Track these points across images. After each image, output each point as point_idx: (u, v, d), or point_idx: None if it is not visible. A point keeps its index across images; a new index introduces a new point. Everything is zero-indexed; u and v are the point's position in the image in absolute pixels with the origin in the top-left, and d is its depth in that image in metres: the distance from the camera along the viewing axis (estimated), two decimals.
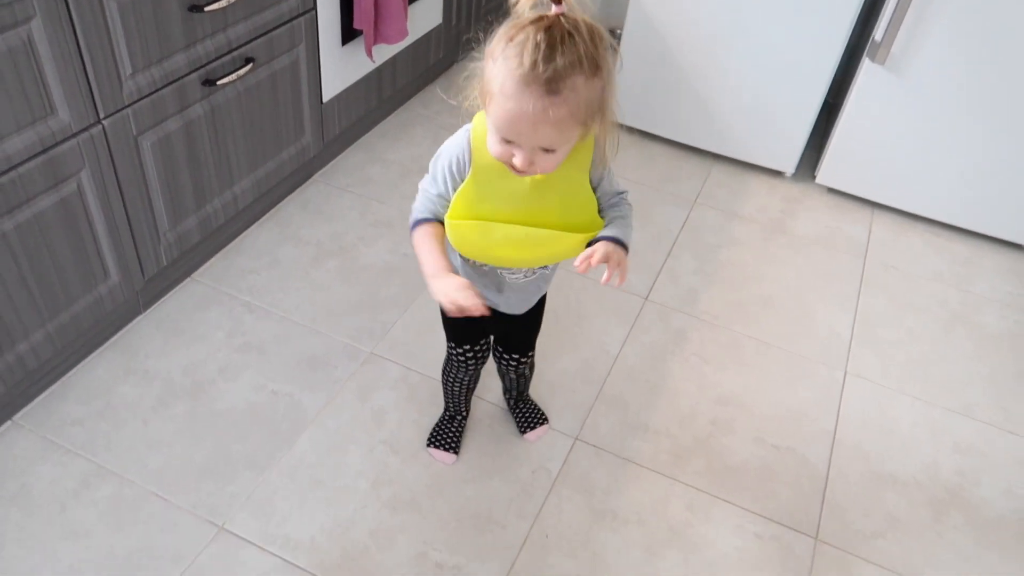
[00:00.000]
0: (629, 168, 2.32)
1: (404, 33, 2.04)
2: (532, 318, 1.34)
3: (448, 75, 2.64)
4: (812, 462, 1.58)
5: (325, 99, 1.97)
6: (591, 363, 1.72)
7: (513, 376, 1.50)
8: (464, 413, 1.56)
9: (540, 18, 0.90)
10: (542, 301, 1.33)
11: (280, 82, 1.78)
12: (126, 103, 1.41)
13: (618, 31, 2.88)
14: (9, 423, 1.47)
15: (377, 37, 1.99)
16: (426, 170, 1.15)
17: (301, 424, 1.54)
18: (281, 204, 2.04)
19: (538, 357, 1.68)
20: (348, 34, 1.96)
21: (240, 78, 1.64)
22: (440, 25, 2.39)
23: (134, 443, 1.47)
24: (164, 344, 1.65)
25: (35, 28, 1.20)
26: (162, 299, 1.75)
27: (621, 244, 1.07)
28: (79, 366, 1.59)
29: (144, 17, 1.37)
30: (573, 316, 1.83)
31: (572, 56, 0.89)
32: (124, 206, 1.49)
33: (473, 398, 1.61)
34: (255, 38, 1.65)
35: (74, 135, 1.33)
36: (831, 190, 2.33)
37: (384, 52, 2.14)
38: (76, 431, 1.47)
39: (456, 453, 1.52)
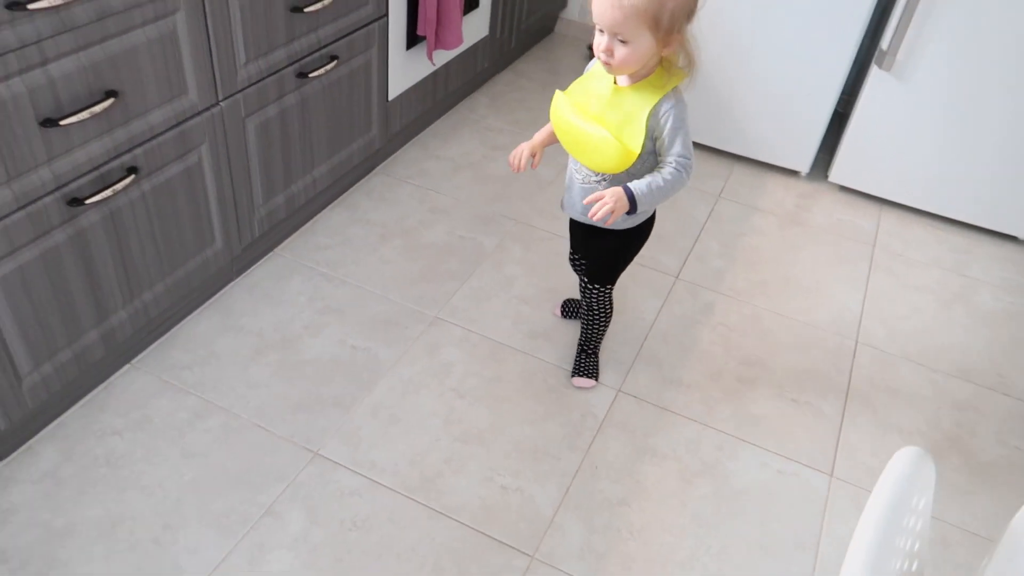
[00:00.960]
0: None
1: (460, 40, 2.28)
2: (596, 247, 1.62)
3: (492, 84, 2.89)
4: (827, 413, 1.79)
5: (390, 97, 2.21)
6: (630, 327, 1.94)
7: (583, 300, 1.74)
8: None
9: None
10: (605, 241, 1.59)
11: (356, 79, 2.02)
12: (239, 88, 1.65)
13: None
14: (128, 366, 1.70)
15: (437, 43, 2.24)
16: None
17: (378, 373, 1.75)
18: (350, 191, 2.27)
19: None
20: (412, 39, 2.21)
21: (326, 73, 1.88)
22: (487, 36, 2.64)
23: (236, 384, 1.68)
24: (255, 305, 1.87)
25: (179, 20, 1.44)
26: (251, 268, 1.97)
27: (629, 195, 1.35)
28: (183, 322, 1.81)
29: (257, 14, 1.62)
30: (616, 291, 2.05)
31: None
32: (231, 179, 1.72)
33: (532, 357, 1.83)
34: (339, 38, 1.89)
35: (199, 113, 1.57)
36: (843, 188, 2.55)
37: (441, 57, 2.39)
38: (186, 374, 1.69)
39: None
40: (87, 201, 1.36)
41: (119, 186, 1.41)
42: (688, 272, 2.14)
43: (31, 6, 1.15)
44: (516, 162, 1.55)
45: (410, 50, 2.23)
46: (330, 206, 2.21)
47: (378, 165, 2.39)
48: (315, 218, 2.16)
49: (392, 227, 2.16)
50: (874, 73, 2.30)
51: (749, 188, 2.51)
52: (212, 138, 1.62)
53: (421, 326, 1.88)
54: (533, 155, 1.55)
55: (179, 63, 1.47)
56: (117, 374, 1.67)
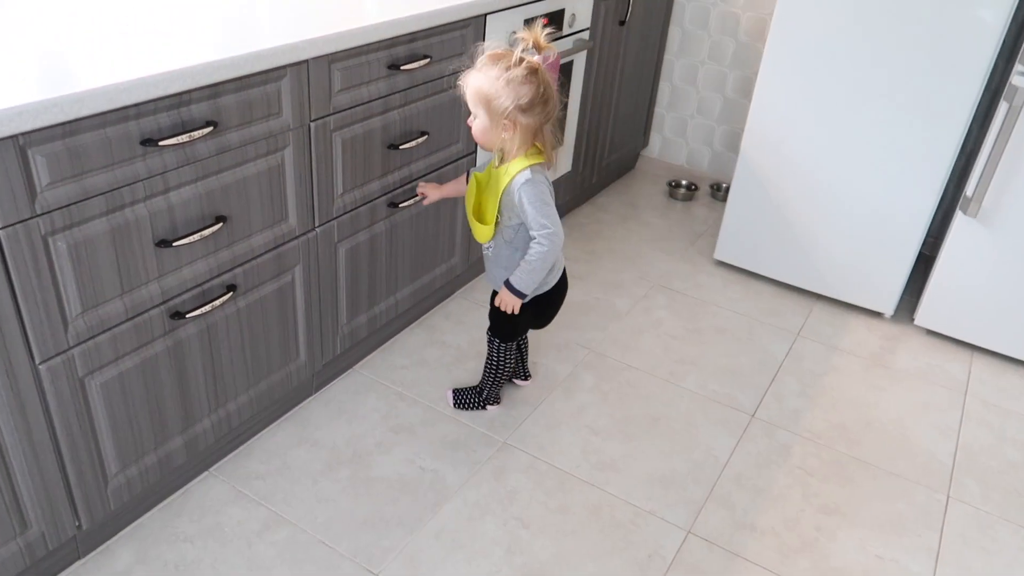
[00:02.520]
0: (735, 302, 2.54)
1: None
2: (493, 307, 1.82)
3: (572, 215, 2.99)
4: (915, 573, 1.67)
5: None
6: (701, 465, 1.89)
7: (487, 344, 1.96)
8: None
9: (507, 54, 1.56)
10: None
11: (443, 209, 2.14)
12: (334, 215, 1.77)
13: (724, 184, 3.20)
14: (206, 473, 1.76)
15: None
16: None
17: (444, 495, 1.75)
18: (429, 313, 2.35)
19: (657, 452, 1.87)
20: None
21: (415, 203, 2.00)
22: (569, 172, 2.77)
23: (306, 497, 1.71)
24: (330, 420, 1.93)
25: (287, 155, 1.59)
26: (330, 383, 2.05)
27: (511, 288, 1.67)
28: (261, 433, 1.88)
29: (357, 151, 1.76)
30: (683, 422, 2.02)
31: (497, 67, 1.52)
32: (319, 299, 1.82)
33: (599, 490, 1.80)
34: (430, 171, 2.03)
35: (296, 237, 1.69)
36: (930, 331, 2.48)
37: None
38: (259, 484, 1.74)
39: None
40: (188, 315, 1.47)
41: (218, 302, 1.52)
42: (765, 411, 2.09)
43: (162, 143, 1.30)
44: (420, 192, 1.94)
45: None
46: (410, 327, 2.29)
47: (458, 289, 2.48)
48: (394, 338, 2.24)
49: (466, 350, 2.22)
50: (960, 218, 2.27)
51: (830, 327, 2.47)
52: (306, 260, 1.73)
53: (489, 450, 1.88)
54: (425, 195, 1.94)
55: (283, 192, 1.61)
56: (195, 480, 1.73)
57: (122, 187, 1.29)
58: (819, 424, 2.06)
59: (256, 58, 1.40)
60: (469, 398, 2.00)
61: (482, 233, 1.71)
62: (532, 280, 1.66)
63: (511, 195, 1.61)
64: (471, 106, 1.59)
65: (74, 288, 1.28)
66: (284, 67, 1.49)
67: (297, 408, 1.96)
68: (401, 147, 1.86)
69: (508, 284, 1.69)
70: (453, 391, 2.01)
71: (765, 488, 1.84)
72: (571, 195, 2.87)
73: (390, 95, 1.79)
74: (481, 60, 1.56)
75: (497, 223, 1.68)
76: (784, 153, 2.46)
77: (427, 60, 1.83)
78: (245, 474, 1.76)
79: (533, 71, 1.54)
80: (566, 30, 2.40)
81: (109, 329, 1.36)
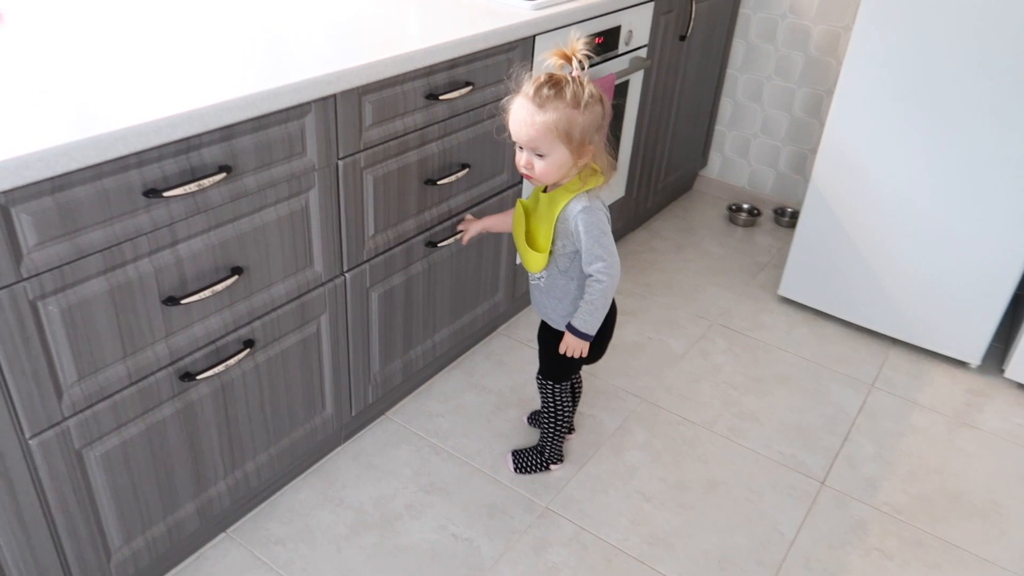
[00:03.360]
0: (802, 346, 2.33)
1: None
2: (547, 341, 1.68)
3: (624, 243, 2.80)
4: None
5: (519, 260, 2.16)
6: (765, 544, 1.69)
7: (538, 390, 1.79)
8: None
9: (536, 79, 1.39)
10: (553, 340, 1.64)
11: (486, 244, 1.98)
12: (365, 259, 1.62)
13: (789, 209, 2.97)
14: (223, 535, 1.62)
15: None
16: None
17: (478, 570, 1.59)
18: (468, 353, 2.19)
19: (715, 525, 1.68)
20: None
21: (456, 240, 1.84)
22: (623, 197, 2.58)
23: (327, 568, 1.57)
24: (358, 476, 1.78)
25: (311, 196, 1.44)
26: (359, 433, 1.90)
27: (575, 331, 1.54)
28: (284, 489, 1.74)
29: (390, 188, 1.60)
30: (744, 489, 1.82)
31: (564, 95, 1.35)
32: (348, 347, 1.67)
33: (651, 569, 1.62)
34: (471, 206, 1.86)
35: (322, 284, 1.54)
36: (1022, 385, 2.23)
37: None
38: (278, 550, 1.60)
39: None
40: (199, 377, 1.33)
41: (233, 361, 1.38)
42: (836, 478, 1.88)
43: (168, 193, 1.16)
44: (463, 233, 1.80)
45: None
46: (447, 368, 2.13)
47: (500, 325, 2.31)
48: (430, 380, 2.08)
49: (508, 396, 2.05)
50: None
51: (908, 377, 2.24)
52: (333, 308, 1.59)
53: (529, 517, 1.72)
54: (466, 231, 1.79)
55: (307, 237, 1.46)
56: (210, 544, 1.60)
57: (123, 242, 1.15)
58: (898, 496, 1.84)
59: (274, 96, 1.25)
60: (531, 460, 1.82)
61: (535, 262, 1.54)
62: (596, 319, 1.53)
63: (567, 222, 1.47)
64: (544, 145, 1.40)
65: (68, 354, 1.15)
66: (308, 103, 1.34)
67: (324, 460, 1.82)
68: (439, 182, 1.70)
69: (572, 328, 1.55)
70: (513, 455, 1.84)
71: (838, 574, 1.64)
72: (624, 219, 2.68)
73: (427, 127, 1.63)
74: (539, 93, 1.37)
75: (551, 251, 1.52)
76: (862, 179, 2.23)
77: (469, 88, 1.67)
78: (264, 538, 1.62)
79: (592, 86, 1.40)
80: (622, 48, 2.21)
81: (110, 396, 1.23)
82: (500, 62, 1.76)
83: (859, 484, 1.86)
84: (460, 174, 1.75)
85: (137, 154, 1.12)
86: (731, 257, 2.77)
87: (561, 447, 1.82)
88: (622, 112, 2.35)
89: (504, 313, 2.29)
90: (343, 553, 1.60)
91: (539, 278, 1.59)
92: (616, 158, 1.51)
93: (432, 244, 1.76)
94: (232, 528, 1.64)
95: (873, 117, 2.16)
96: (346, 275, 1.59)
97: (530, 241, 1.56)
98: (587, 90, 1.37)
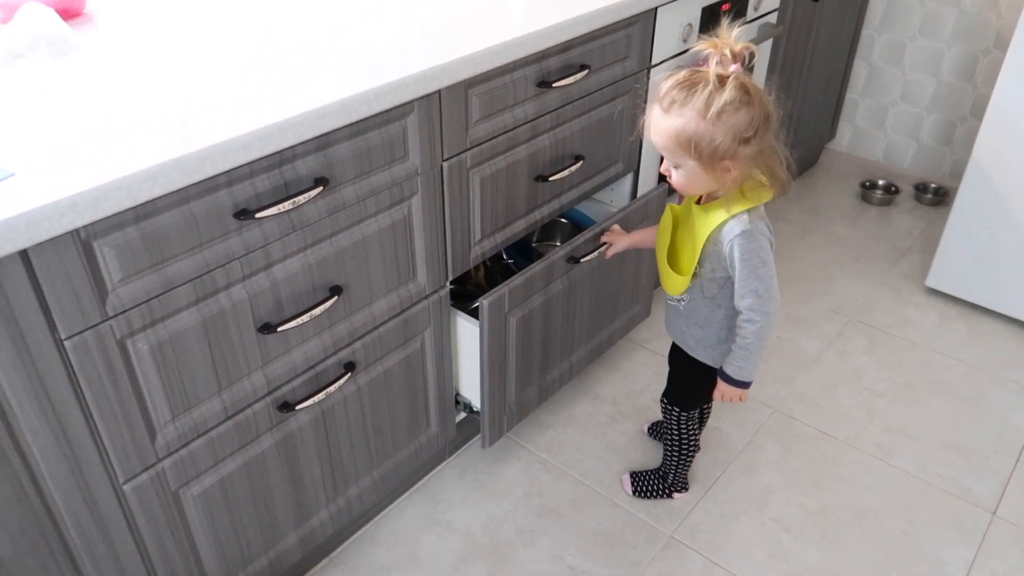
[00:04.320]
0: (957, 346, 2.05)
1: None
2: (679, 365, 1.49)
3: None
4: None
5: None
6: None
7: (662, 413, 1.61)
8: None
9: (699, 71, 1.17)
10: (688, 367, 1.44)
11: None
12: (471, 265, 1.48)
13: (933, 185, 2.65)
14: (326, 560, 1.54)
15: None
16: None
17: None
18: None
19: (865, 562, 1.47)
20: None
21: (599, 254, 1.63)
22: None
23: None
24: (465, 496, 1.66)
25: (414, 204, 1.29)
26: (464, 446, 1.78)
27: (729, 379, 1.34)
28: (388, 509, 1.64)
29: (499, 188, 1.44)
30: (899, 519, 1.60)
31: (695, 99, 1.13)
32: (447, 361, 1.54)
33: None
34: (581, 198, 1.68)
35: (426, 296, 1.40)
36: None
37: None
38: None
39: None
40: (299, 407, 1.22)
41: (333, 388, 1.26)
42: (1009, 507, 1.63)
43: (260, 215, 1.03)
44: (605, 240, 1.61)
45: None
46: None
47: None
48: None
49: (623, 405, 1.88)
50: None
51: None
52: (436, 321, 1.45)
53: (652, 548, 1.55)
54: (610, 243, 1.60)
55: (409, 248, 1.32)
56: (313, 571, 1.52)
57: (214, 269, 1.04)
58: None
59: (375, 97, 1.11)
60: (652, 484, 1.65)
61: (675, 284, 1.34)
62: (753, 364, 1.31)
63: (719, 244, 1.24)
64: (669, 156, 1.21)
65: (161, 393, 1.05)
66: (411, 102, 1.19)
67: (428, 477, 1.71)
68: (551, 178, 1.53)
69: (724, 376, 1.34)
70: (631, 476, 1.67)
71: None
72: None
73: (538, 117, 1.45)
74: (668, 95, 1.16)
75: (695, 274, 1.31)
76: (996, 137, 1.92)
77: (585, 71, 1.48)
78: (369, 565, 1.52)
79: (744, 88, 1.14)
80: (751, 14, 1.96)
81: (205, 432, 1.13)
82: (619, 40, 1.56)
83: None
84: (574, 168, 1.57)
85: (226, 173, 0.99)
86: (866, 241, 2.48)
87: (686, 474, 1.64)
88: None
89: (633, 319, 2.10)
90: None
91: (679, 300, 1.39)
92: (790, 158, 1.24)
93: (574, 259, 1.57)
94: (336, 553, 1.55)
95: None
96: (450, 285, 1.45)
97: (672, 258, 1.36)
98: (726, 95, 1.12)
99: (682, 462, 1.60)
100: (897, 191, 2.68)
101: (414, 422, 1.52)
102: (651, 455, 1.75)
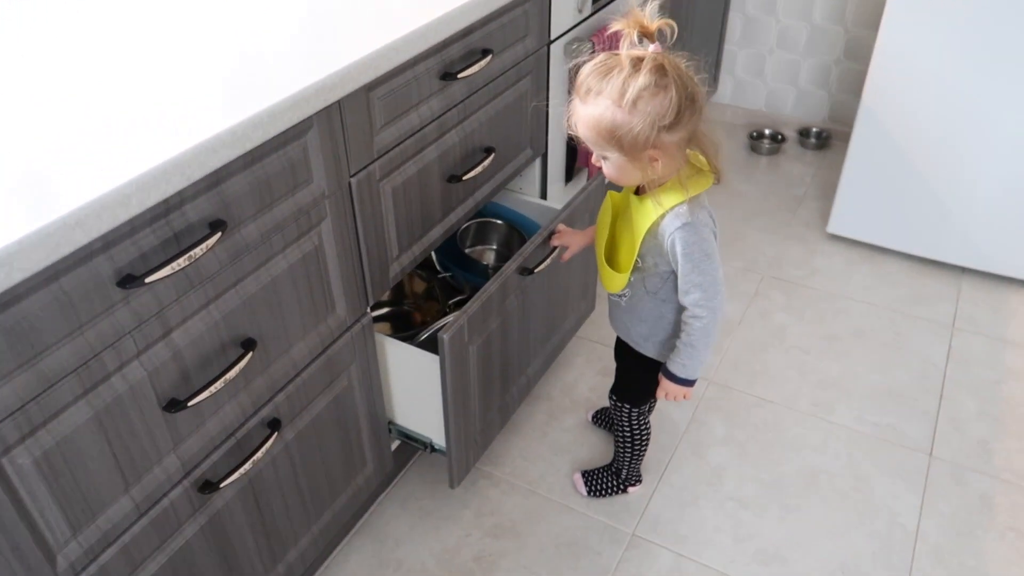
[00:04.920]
0: (867, 290, 2.09)
1: None
2: (626, 362, 1.43)
3: None
4: None
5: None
6: (888, 542, 1.49)
7: (612, 411, 1.53)
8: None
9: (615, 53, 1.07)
10: (634, 362, 1.37)
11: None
12: (391, 285, 1.33)
13: (815, 129, 2.69)
14: None
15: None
16: None
17: None
18: None
19: (828, 525, 1.47)
20: (571, 173, 1.86)
21: (552, 262, 1.49)
22: None
23: None
24: (412, 528, 1.53)
25: (324, 230, 1.13)
26: (402, 472, 1.64)
27: (674, 378, 1.26)
28: (330, 559, 1.49)
29: (411, 196, 1.30)
30: (848, 477, 1.61)
31: (610, 86, 1.04)
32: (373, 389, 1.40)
33: None
34: (495, 192, 1.56)
35: (348, 329, 1.25)
36: None
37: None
38: None
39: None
40: (223, 484, 1.05)
41: (259, 453, 1.10)
42: (943, 446, 1.67)
43: (149, 279, 0.85)
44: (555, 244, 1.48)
45: (568, 184, 1.88)
46: None
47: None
48: None
49: (559, 400, 1.79)
50: None
51: (987, 311, 2.02)
52: (361, 354, 1.30)
53: (617, 550, 1.49)
54: (563, 246, 1.48)
55: (324, 280, 1.16)
56: None
57: (101, 352, 0.85)
58: (1016, 459, 1.64)
59: (270, 118, 0.93)
60: (606, 482, 1.58)
61: (613, 282, 1.25)
62: (699, 362, 1.23)
63: (660, 238, 1.16)
64: (594, 148, 1.11)
65: (55, 509, 0.86)
66: (310, 118, 1.02)
67: (369, 514, 1.56)
68: (464, 177, 1.39)
69: (669, 374, 1.26)
70: (583, 476, 1.60)
71: (978, 568, 1.44)
72: None
73: (445, 113, 1.31)
74: (584, 83, 1.07)
75: (637, 268, 1.22)
76: (923, 90, 1.95)
77: (488, 57, 1.34)
78: None
79: (661, 71, 1.04)
80: None
81: (117, 539, 0.95)
82: (517, 17, 1.43)
83: (971, 450, 1.66)
84: (486, 162, 1.44)
85: (102, 236, 0.80)
86: (763, 193, 2.50)
87: (639, 467, 1.58)
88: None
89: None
90: None
91: (621, 296, 1.30)
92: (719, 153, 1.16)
93: (527, 271, 1.43)
94: None
95: (934, 17, 1.86)
96: (370, 311, 1.30)
97: (611, 253, 1.26)
98: (640, 80, 1.02)
99: (635, 456, 1.54)
100: (783, 139, 2.71)
101: (349, 464, 1.37)
102: (598, 449, 1.68)
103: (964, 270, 2.15)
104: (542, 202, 1.73)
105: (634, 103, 1.03)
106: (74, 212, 0.75)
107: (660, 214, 1.14)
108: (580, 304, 1.77)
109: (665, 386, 1.28)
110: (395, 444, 1.52)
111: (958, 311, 2.02)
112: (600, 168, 1.14)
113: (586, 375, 1.85)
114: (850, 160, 2.13)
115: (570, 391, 1.82)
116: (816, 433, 1.70)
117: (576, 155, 1.85)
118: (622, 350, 1.41)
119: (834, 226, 2.24)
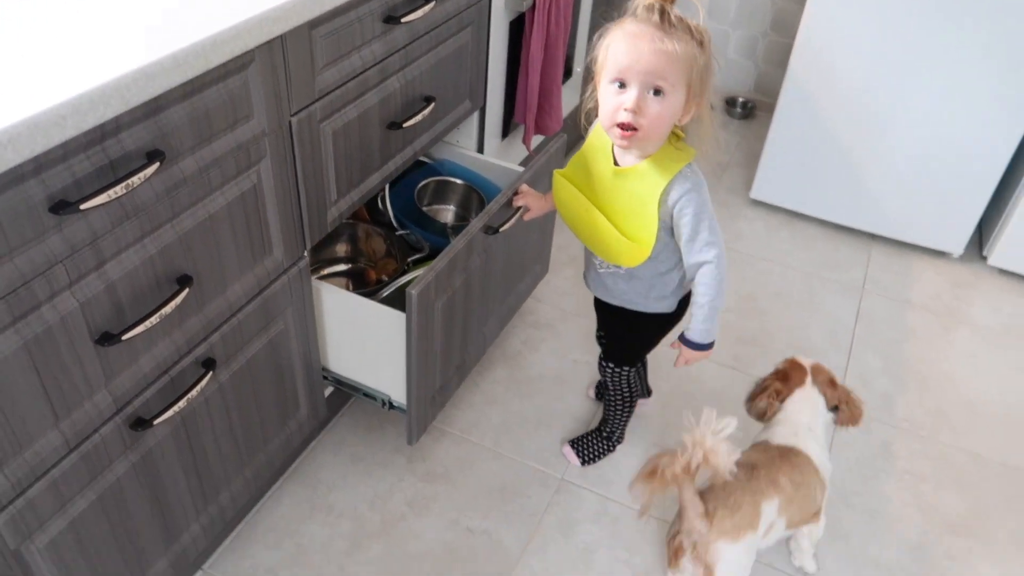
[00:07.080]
0: (786, 254, 2.19)
1: (560, 123, 1.95)
2: (617, 328, 1.45)
3: None
4: None
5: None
6: None
7: (605, 376, 1.53)
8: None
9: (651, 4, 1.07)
10: (633, 324, 1.39)
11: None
12: (328, 230, 1.32)
13: (741, 99, 2.78)
14: (200, 573, 1.37)
15: (537, 129, 1.91)
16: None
17: (507, 565, 1.41)
18: None
19: None
20: (507, 128, 1.88)
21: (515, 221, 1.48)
22: (579, 105, 2.30)
23: None
24: (344, 474, 1.54)
25: (263, 169, 1.11)
26: (336, 417, 1.65)
27: (694, 344, 1.27)
28: (261, 503, 1.49)
29: (351, 141, 1.29)
30: None
31: (681, 22, 1.06)
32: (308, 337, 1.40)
33: None
34: (432, 143, 1.56)
35: (285, 272, 1.24)
36: (1004, 271, 2.18)
37: (536, 142, 2.05)
38: None
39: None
40: (156, 421, 1.04)
41: (193, 392, 1.09)
42: None
43: (84, 206, 0.83)
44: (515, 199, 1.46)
45: (505, 139, 1.90)
46: None
47: None
48: None
49: (490, 352, 1.83)
50: None
51: (894, 275, 2.15)
52: (298, 298, 1.29)
53: (546, 493, 1.54)
54: (526, 207, 1.46)
55: (262, 220, 1.15)
56: None
57: (32, 280, 0.83)
58: (916, 411, 1.77)
59: (212, 46, 0.91)
60: (597, 447, 1.61)
61: (633, 254, 1.21)
62: (716, 323, 1.25)
63: (667, 205, 1.17)
64: (670, 79, 1.07)
65: None
66: (251, 51, 1.00)
67: (300, 460, 1.57)
68: (405, 124, 1.39)
69: (688, 342, 1.28)
70: (572, 445, 1.61)
71: (879, 509, 1.56)
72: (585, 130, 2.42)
73: (387, 57, 1.30)
74: (667, 18, 1.06)
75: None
76: (842, 68, 2.04)
77: (432, 3, 1.34)
78: (251, 569, 1.38)
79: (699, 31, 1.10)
80: None
81: (45, 473, 0.93)
82: None
83: (875, 402, 1.77)
84: (426, 111, 1.44)
85: (34, 159, 0.78)
86: None
87: (625, 427, 1.63)
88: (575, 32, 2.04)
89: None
90: (348, 571, 1.39)
91: (617, 268, 1.30)
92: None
93: (492, 229, 1.42)
94: (209, 563, 1.38)
95: (855, 1, 1.95)
96: (307, 255, 1.29)
97: (592, 232, 1.25)
98: (703, 25, 1.07)
99: (626, 417, 1.58)
100: (711, 108, 2.78)
101: (283, 408, 1.37)
102: (529, 401, 1.72)
103: (874, 237, 2.28)
104: (499, 162, 1.71)
105: (706, 46, 1.09)
106: (6, 130, 0.72)
107: (669, 179, 1.15)
108: (535, 267, 1.79)
109: (687, 354, 1.29)
110: (328, 390, 1.53)
111: (868, 275, 2.15)
112: (634, 116, 1.09)
113: (517, 327, 1.89)
114: (773, 130, 2.22)
115: (502, 343, 1.85)
116: (735, 386, 1.79)
117: (513, 111, 1.86)
118: (610, 318, 1.43)
119: (757, 192, 2.33)
